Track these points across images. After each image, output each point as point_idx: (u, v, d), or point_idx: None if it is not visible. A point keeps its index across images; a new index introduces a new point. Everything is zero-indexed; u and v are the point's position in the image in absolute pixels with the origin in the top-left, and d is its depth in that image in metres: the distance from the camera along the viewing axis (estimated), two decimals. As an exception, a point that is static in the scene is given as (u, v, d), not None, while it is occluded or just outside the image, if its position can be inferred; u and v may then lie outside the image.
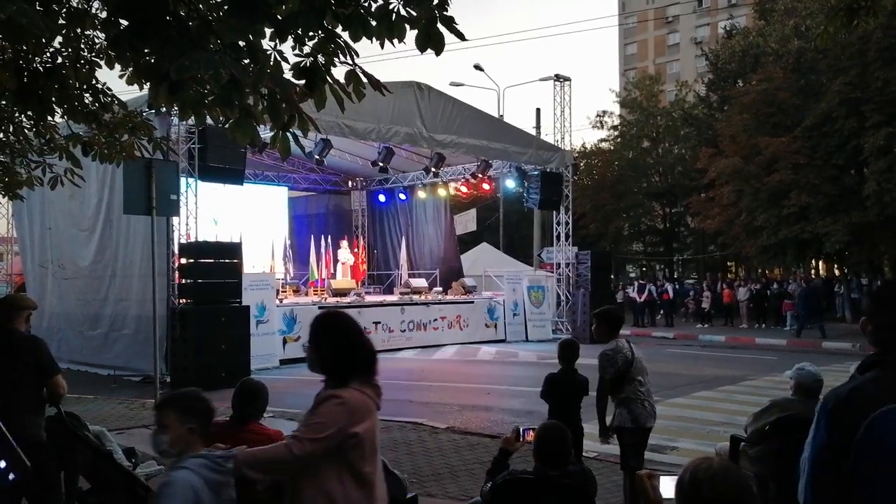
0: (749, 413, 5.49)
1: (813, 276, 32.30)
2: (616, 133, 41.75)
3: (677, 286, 31.01)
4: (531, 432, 3.82)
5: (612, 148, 41.04)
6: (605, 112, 42.54)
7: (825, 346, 19.84)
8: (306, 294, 20.41)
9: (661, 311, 28.33)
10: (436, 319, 19.73)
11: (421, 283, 21.39)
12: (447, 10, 3.06)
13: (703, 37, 61.34)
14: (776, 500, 4.91)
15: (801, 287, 25.08)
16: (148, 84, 3.34)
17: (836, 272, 32.30)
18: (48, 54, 4.83)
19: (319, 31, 3.15)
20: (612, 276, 27.94)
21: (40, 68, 4.64)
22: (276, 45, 3.22)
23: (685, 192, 35.33)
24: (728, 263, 40.34)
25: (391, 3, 3.05)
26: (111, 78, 4.39)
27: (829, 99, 24.66)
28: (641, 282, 31.24)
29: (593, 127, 47.04)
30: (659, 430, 9.34)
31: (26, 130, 6.34)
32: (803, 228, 24.89)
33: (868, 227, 24.04)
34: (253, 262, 18.39)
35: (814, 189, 24.39)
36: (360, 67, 3.25)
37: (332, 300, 18.69)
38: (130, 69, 3.45)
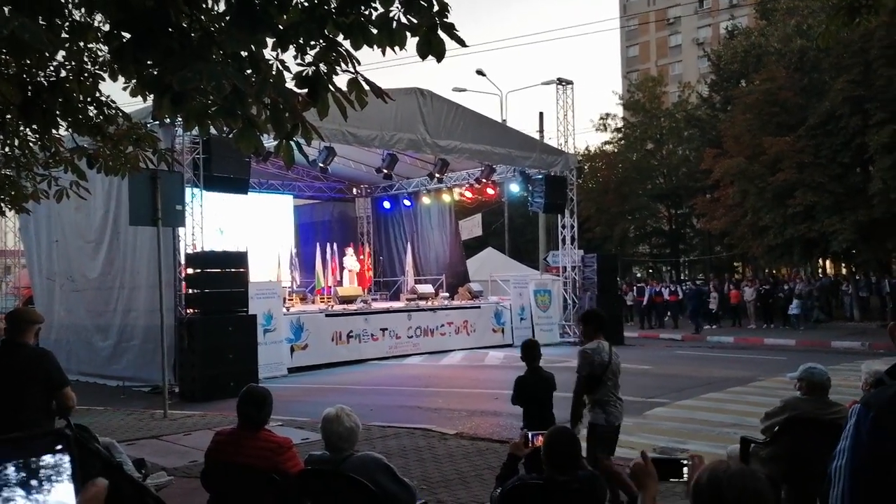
0: (760, 414, 5.47)
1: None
2: (619, 135, 41.77)
3: (683, 287, 30.93)
4: (540, 437, 3.82)
5: (615, 150, 41.04)
6: (608, 115, 42.58)
7: (834, 345, 19.77)
8: (313, 302, 20.43)
9: (668, 313, 28.27)
10: (443, 325, 19.73)
11: (427, 288, 21.37)
12: (447, 17, 3.07)
13: (704, 37, 61.34)
14: (788, 501, 4.88)
15: (690, 288, 26.77)
16: (151, 96, 3.35)
17: (844, 271, 32.21)
18: (52, 68, 4.85)
19: (321, 40, 3.16)
20: (619, 279, 27.89)
21: (44, 82, 4.66)
22: (277, 54, 3.22)
23: (690, 194, 35.31)
24: (735, 264, 40.28)
25: (391, 11, 3.05)
26: (115, 90, 4.42)
27: (832, 97, 24.65)
28: (640, 285, 31.16)
29: (597, 130, 46.92)
30: (669, 432, 9.34)
31: (31, 144, 6.36)
32: (809, 227, 24.85)
33: (875, 225, 23.99)
34: (259, 271, 18.41)
35: (819, 188, 24.36)
36: (362, 75, 3.26)
37: (338, 307, 18.71)
38: (134, 81, 3.46)
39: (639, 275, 44.64)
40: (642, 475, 2.50)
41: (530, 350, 6.33)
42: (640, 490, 2.52)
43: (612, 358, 6.00)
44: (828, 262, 36.04)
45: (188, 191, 13.45)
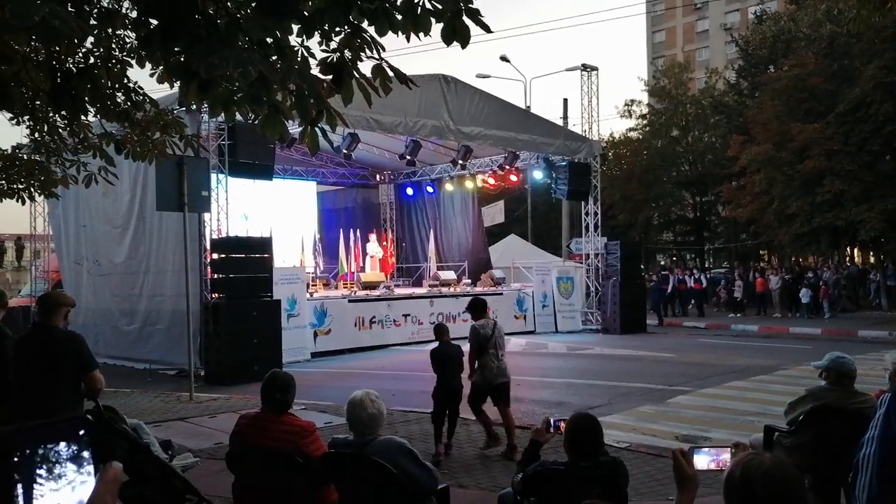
0: (784, 403, 5.43)
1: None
2: (645, 122, 41.34)
3: (706, 275, 30.69)
4: (562, 423, 3.82)
5: (640, 137, 40.64)
6: (633, 101, 42.08)
7: (861, 334, 19.54)
8: (336, 288, 20.53)
9: (692, 301, 28.04)
10: (465, 311, 19.70)
11: (449, 275, 21.39)
12: (472, 3, 3.06)
13: (732, 23, 60.48)
14: (812, 490, 4.85)
15: (653, 280, 26.69)
16: (178, 82, 3.38)
17: (872, 259, 31.76)
18: (80, 55, 4.90)
19: (346, 27, 3.16)
20: (642, 266, 27.72)
21: (73, 68, 4.71)
22: (303, 41, 3.24)
23: (716, 181, 34.93)
24: (760, 252, 39.84)
25: (416, -4, 3.05)
26: (142, 77, 4.48)
27: (863, 84, 24.21)
28: (664, 272, 30.95)
29: (621, 116, 46.44)
30: (691, 420, 9.31)
31: (60, 130, 6.45)
32: (837, 216, 24.49)
33: (904, 214, 23.59)
34: (283, 257, 18.52)
35: (848, 175, 23.97)
36: (387, 61, 3.26)
37: (361, 293, 18.79)
38: (161, 68, 3.50)
39: (662, 262, 44.31)
40: (681, 476, 2.44)
41: (440, 330, 8.17)
42: (679, 491, 2.45)
43: (495, 332, 7.85)
44: (856, 251, 35.55)
45: (214, 177, 13.55)
